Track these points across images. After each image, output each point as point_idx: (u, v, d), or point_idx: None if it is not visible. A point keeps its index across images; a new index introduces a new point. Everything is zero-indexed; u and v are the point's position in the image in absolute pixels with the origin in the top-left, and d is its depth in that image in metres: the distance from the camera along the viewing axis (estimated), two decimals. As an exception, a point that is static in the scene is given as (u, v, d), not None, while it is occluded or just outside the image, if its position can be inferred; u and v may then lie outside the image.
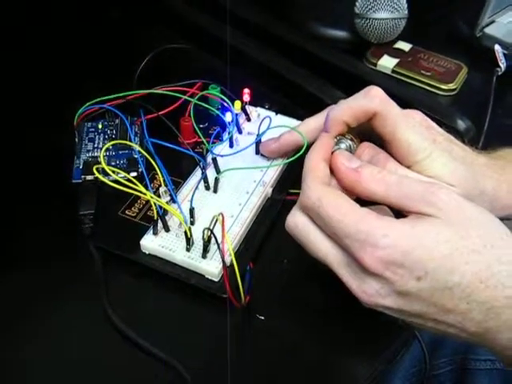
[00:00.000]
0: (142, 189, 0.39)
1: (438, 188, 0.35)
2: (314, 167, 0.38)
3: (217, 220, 0.38)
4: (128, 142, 0.39)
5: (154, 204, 0.39)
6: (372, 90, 0.40)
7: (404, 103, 0.41)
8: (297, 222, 0.37)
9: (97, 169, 0.36)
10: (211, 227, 0.38)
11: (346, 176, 0.38)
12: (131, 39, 0.67)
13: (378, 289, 0.34)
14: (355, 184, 0.37)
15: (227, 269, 0.38)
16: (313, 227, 0.37)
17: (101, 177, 0.36)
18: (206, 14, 0.66)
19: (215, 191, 0.46)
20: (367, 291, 0.34)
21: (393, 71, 0.62)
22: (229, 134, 0.49)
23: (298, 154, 0.44)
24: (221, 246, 0.37)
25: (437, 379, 0.66)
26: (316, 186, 0.37)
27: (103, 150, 0.37)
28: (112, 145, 0.44)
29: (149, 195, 0.39)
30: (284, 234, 0.40)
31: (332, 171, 0.39)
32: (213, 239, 0.40)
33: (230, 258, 0.39)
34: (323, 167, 0.38)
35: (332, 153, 0.39)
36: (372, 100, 0.39)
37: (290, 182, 0.49)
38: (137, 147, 0.40)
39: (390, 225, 0.34)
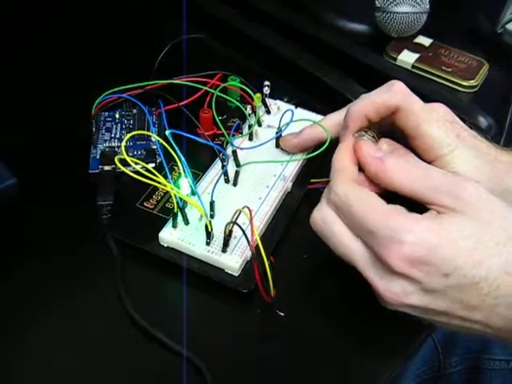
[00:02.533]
0: (163, 180, 0.38)
1: (464, 181, 0.35)
2: (342, 167, 0.38)
3: (239, 213, 0.37)
4: (148, 133, 0.39)
5: (175, 196, 0.39)
6: (394, 84, 0.39)
7: (424, 99, 0.40)
8: (324, 216, 0.37)
9: (119, 159, 0.35)
10: (234, 220, 0.37)
11: (371, 165, 0.37)
12: (150, 29, 0.66)
13: (404, 287, 0.33)
14: (380, 173, 0.37)
15: (251, 263, 0.38)
16: (339, 223, 0.36)
17: (123, 168, 0.35)
18: (224, 6, 0.65)
19: (235, 184, 0.45)
20: (392, 290, 0.34)
21: (413, 66, 0.61)
22: (249, 127, 0.49)
23: (321, 149, 0.43)
24: (250, 240, 0.36)
25: (449, 378, 0.66)
26: (344, 183, 0.37)
27: (124, 140, 0.36)
28: (132, 136, 0.43)
29: (169, 186, 0.38)
30: (304, 229, 0.39)
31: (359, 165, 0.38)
32: (234, 233, 0.39)
33: (250, 252, 0.39)
34: (351, 167, 0.38)
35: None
36: (394, 94, 0.39)
37: (310, 176, 0.48)
38: (157, 137, 0.39)
39: (415, 220, 0.33)
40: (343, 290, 0.42)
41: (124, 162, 0.37)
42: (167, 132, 0.38)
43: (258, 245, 0.36)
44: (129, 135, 0.37)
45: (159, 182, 0.39)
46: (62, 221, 0.45)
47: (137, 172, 0.37)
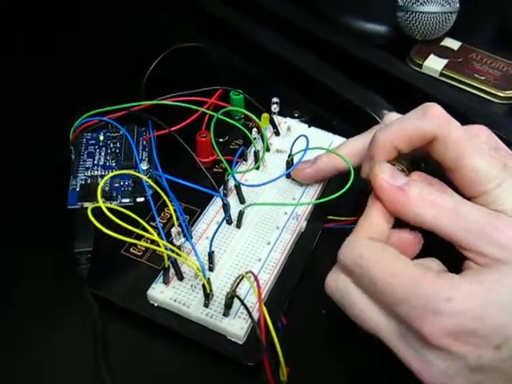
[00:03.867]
0: (155, 236, 0.31)
1: (503, 222, 0.28)
2: (365, 222, 0.31)
3: (241, 279, 0.30)
4: (133, 172, 0.31)
5: (167, 255, 0.32)
6: (430, 108, 0.32)
7: (455, 113, 0.33)
8: (337, 282, 0.31)
9: (92, 210, 0.28)
10: (233, 290, 0.30)
11: (388, 195, 0.31)
12: (137, 38, 0.59)
13: (446, 368, 0.27)
14: (400, 205, 0.30)
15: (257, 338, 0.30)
16: (356, 290, 0.30)
17: (98, 225, 0.28)
18: (227, 7, 0.58)
19: (238, 226, 0.38)
20: (431, 371, 0.27)
21: (441, 74, 0.53)
22: (255, 153, 0.41)
23: (344, 190, 0.35)
24: (254, 318, 0.29)
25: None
26: (358, 241, 0.30)
27: (101, 184, 0.29)
28: (112, 176, 0.36)
29: (162, 243, 0.31)
30: (321, 277, 0.33)
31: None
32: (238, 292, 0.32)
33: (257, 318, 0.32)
34: (376, 220, 0.31)
35: None
36: (430, 121, 0.32)
37: (326, 211, 0.41)
38: (144, 178, 0.32)
39: (452, 284, 0.27)
40: (371, 353, 0.35)
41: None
42: (155, 174, 0.31)
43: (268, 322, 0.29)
44: (105, 178, 0.29)
45: (150, 240, 0.32)
46: (33, 270, 0.38)
47: (114, 227, 0.30)
